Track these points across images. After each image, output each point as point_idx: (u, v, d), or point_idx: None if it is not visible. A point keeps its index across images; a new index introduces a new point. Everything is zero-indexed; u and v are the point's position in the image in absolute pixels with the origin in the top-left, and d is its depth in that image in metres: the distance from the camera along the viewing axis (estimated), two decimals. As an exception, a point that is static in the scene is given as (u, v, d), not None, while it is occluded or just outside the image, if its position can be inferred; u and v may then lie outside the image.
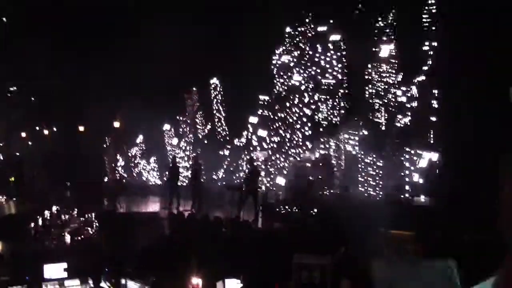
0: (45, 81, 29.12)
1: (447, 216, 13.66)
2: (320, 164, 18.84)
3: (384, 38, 20.73)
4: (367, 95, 21.13)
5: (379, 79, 20.79)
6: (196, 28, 23.02)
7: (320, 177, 18.67)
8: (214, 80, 26.92)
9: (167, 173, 23.13)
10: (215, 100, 27.00)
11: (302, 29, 23.39)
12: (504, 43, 13.44)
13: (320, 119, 22.39)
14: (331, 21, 22.41)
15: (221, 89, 26.83)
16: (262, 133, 23.55)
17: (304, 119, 22.71)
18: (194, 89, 27.87)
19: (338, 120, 22.03)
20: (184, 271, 12.30)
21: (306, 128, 22.56)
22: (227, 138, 26.14)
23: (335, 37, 22.13)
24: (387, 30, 20.85)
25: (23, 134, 31.69)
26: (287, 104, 23.10)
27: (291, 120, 22.90)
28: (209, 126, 27.22)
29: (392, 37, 20.53)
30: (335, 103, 22.26)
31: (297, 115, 22.76)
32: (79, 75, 27.76)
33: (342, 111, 22.09)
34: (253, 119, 24.21)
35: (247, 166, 18.78)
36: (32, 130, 32.19)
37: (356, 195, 18.88)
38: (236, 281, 10.89)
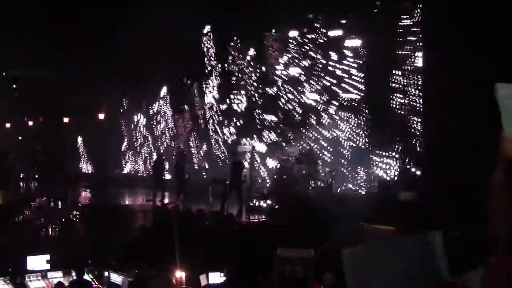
0: (30, 72, 28.94)
1: (433, 211, 13.70)
2: (304, 159, 18.72)
3: (412, 38, 17.17)
4: (395, 107, 17.82)
5: (417, 93, 17.09)
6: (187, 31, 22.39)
7: (304, 171, 18.65)
8: (210, 99, 24.72)
9: (151, 166, 23.13)
10: (211, 120, 24.71)
11: (313, 36, 20.34)
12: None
13: (342, 141, 19.33)
14: (344, 21, 19.27)
15: (217, 106, 24.44)
16: (273, 164, 20.75)
17: (324, 143, 19.83)
18: (185, 107, 26.20)
19: (366, 142, 18.76)
20: (167, 264, 12.34)
21: (328, 154, 19.58)
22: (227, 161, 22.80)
23: (353, 42, 18.82)
24: (415, 29, 17.14)
25: (8, 125, 31.49)
26: (303, 130, 20.38)
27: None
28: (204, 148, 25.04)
29: (421, 35, 16.46)
30: (360, 121, 18.89)
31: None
32: (66, 67, 27.69)
33: (369, 131, 18.67)
34: (261, 147, 21.68)
35: (231, 159, 18.65)
36: (17, 122, 31.99)
37: (339, 189, 18.79)
38: (220, 274, 10.96)
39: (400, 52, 17.72)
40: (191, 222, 15.67)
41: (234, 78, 23.46)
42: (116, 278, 12.40)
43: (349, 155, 19.00)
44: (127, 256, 13.79)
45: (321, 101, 20.08)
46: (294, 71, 21.16)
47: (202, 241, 13.92)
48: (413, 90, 17.34)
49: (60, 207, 20.11)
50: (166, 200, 19.97)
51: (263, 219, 16.61)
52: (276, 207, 17.23)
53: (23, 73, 29.12)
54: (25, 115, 31.57)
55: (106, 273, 12.57)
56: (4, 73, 30.76)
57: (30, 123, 31.07)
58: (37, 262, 12.76)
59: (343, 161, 19.18)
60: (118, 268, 12.84)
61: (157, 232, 15.08)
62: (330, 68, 19.76)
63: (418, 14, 17.01)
